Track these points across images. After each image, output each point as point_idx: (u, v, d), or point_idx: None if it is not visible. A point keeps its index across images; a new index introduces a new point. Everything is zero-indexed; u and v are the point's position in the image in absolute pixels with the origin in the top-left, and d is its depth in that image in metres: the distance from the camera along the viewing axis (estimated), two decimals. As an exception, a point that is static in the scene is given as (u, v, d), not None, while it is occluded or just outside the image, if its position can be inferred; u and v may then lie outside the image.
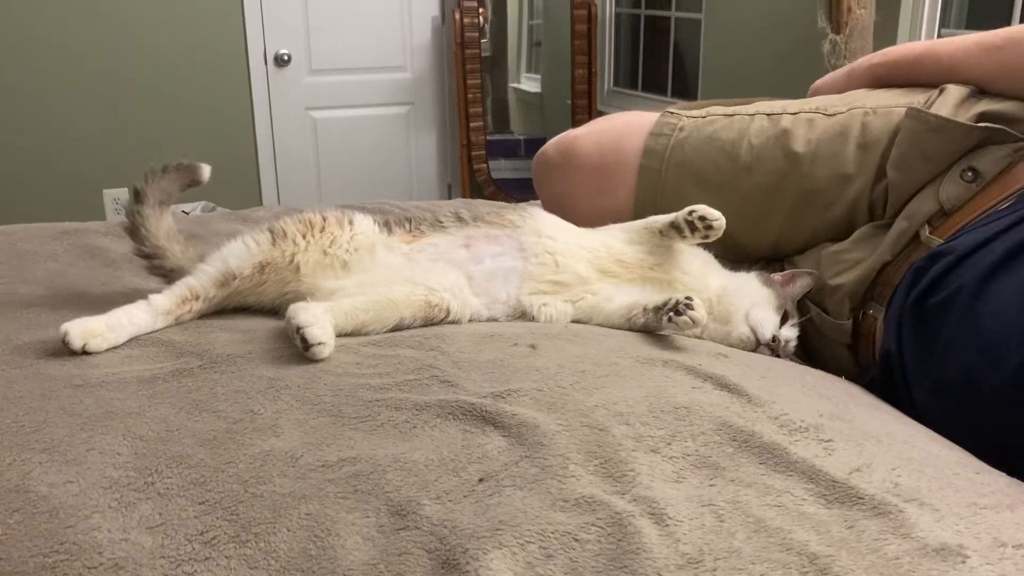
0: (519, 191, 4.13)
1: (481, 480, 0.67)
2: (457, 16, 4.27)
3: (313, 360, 0.87)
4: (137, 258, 1.12)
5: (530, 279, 1.03)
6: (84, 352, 0.90)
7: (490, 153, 4.50)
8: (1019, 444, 0.79)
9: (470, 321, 1.01)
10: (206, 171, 1.12)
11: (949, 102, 1.06)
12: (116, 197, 4.06)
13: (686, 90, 4.02)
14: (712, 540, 0.60)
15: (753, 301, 1.03)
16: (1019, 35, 1.07)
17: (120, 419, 0.76)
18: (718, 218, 1.00)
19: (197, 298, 1.00)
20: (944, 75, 1.12)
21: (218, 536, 0.62)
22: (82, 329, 0.91)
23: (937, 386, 0.89)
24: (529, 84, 5.42)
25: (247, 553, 0.60)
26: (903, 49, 1.24)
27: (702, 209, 1.00)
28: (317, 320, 0.89)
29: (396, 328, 0.97)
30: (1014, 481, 0.72)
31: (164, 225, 1.10)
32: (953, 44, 1.14)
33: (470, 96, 4.36)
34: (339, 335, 0.92)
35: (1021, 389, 0.79)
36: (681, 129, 1.23)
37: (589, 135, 1.31)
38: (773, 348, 1.01)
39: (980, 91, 1.09)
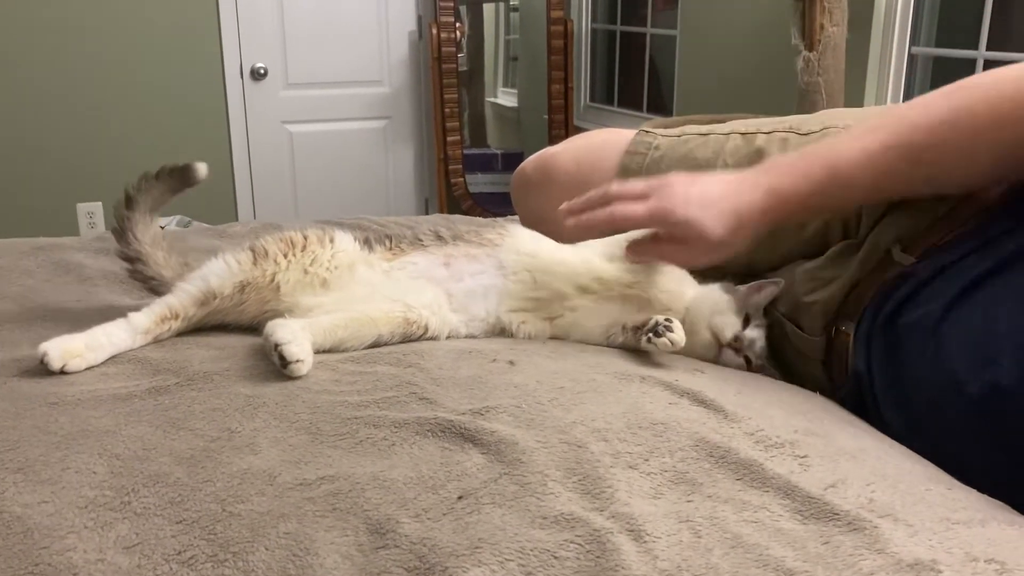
0: (496, 205, 4.14)
1: (460, 498, 0.67)
2: (434, 31, 4.29)
3: (291, 377, 0.87)
4: (120, 261, 1.11)
5: (509, 296, 1.03)
6: (62, 372, 0.89)
7: (467, 167, 4.52)
8: (983, 466, 0.80)
9: (448, 338, 1.01)
10: (202, 170, 1.11)
11: None
12: (90, 211, 4.03)
13: (661, 105, 4.06)
14: (690, 556, 0.61)
15: (713, 309, 1.04)
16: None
17: (96, 438, 0.76)
18: None
19: (176, 317, 0.99)
20: (859, 196, 0.98)
21: (196, 556, 0.61)
22: (61, 350, 0.90)
23: (904, 407, 0.90)
24: (506, 98, 5.44)
25: (225, 573, 0.60)
26: (795, 177, 0.95)
27: None
28: (295, 337, 0.88)
29: (374, 345, 0.97)
30: (985, 496, 0.73)
31: (151, 232, 1.11)
32: (854, 153, 0.93)
33: (447, 110, 4.37)
34: (317, 352, 0.92)
35: (983, 415, 0.80)
36: (657, 148, 1.24)
37: (567, 152, 1.32)
38: (737, 348, 1.01)
39: None
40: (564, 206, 1.01)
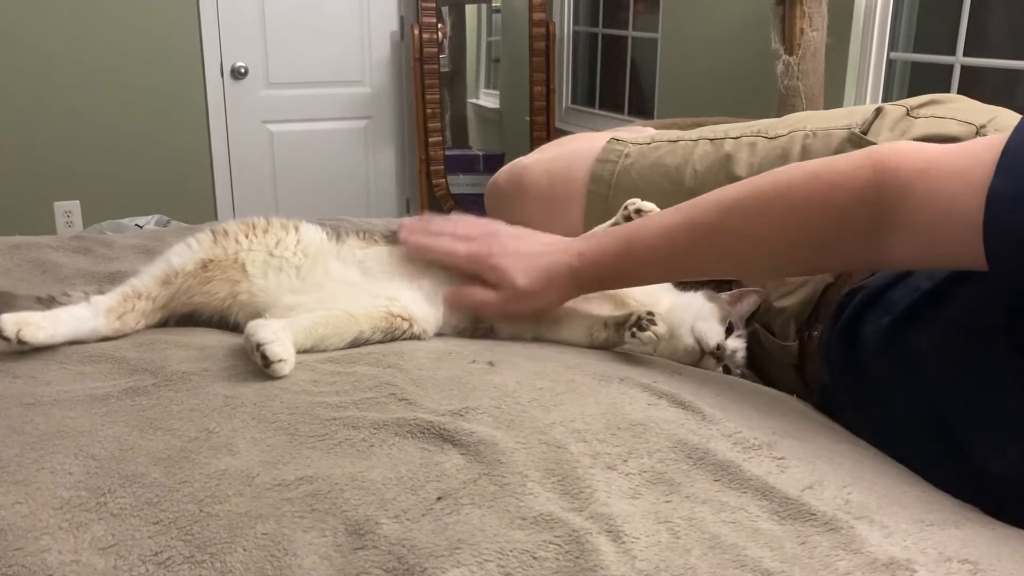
0: (478, 206, 4.12)
1: (439, 498, 0.67)
2: (416, 31, 4.28)
3: (273, 377, 0.87)
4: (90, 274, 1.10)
5: None
6: (19, 342, 0.88)
7: (449, 168, 4.51)
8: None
9: (435, 334, 1.01)
10: None
11: (885, 125, 1.08)
12: (68, 210, 4.00)
13: (643, 108, 4.07)
14: (668, 557, 0.61)
15: (697, 315, 1.04)
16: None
17: (72, 438, 0.75)
18: (652, 208, 1.01)
19: (140, 296, 0.99)
20: (656, 273, 0.97)
21: (172, 557, 0.61)
22: (16, 317, 0.89)
23: (864, 422, 0.90)
24: (488, 100, 5.45)
25: (203, 574, 0.60)
26: (598, 249, 0.96)
27: (637, 203, 1.02)
28: (277, 337, 0.88)
29: (355, 342, 0.97)
30: (959, 500, 0.74)
31: None
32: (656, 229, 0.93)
33: (429, 111, 4.36)
34: (299, 351, 0.91)
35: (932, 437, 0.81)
36: (627, 155, 1.25)
37: (539, 163, 1.33)
38: (719, 356, 1.02)
39: (921, 106, 1.11)
40: (406, 222, 1.06)
